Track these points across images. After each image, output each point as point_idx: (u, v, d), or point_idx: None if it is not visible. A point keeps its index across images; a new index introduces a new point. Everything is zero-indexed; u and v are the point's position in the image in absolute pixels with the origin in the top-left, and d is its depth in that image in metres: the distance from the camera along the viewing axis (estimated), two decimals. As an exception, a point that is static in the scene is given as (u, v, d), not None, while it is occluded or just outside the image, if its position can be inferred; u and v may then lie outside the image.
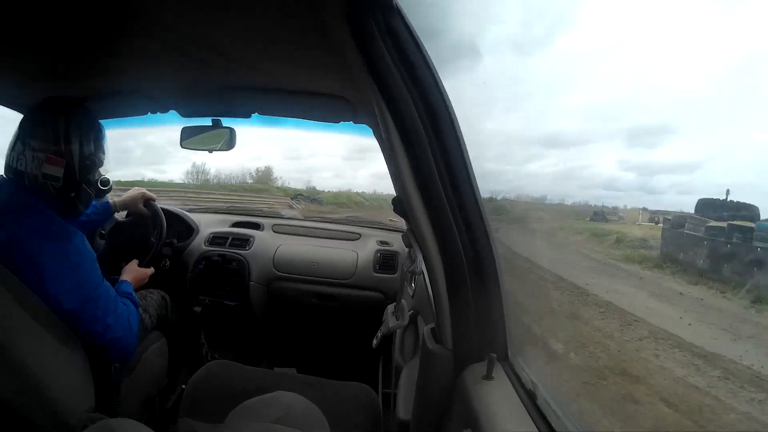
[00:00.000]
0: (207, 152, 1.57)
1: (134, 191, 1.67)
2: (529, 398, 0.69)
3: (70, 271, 1.04)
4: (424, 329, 0.87)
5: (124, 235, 1.71)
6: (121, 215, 1.95)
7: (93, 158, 1.13)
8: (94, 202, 1.33)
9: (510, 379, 0.73)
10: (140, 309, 1.35)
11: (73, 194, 1.11)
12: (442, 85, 0.69)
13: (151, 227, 1.74)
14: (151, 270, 1.46)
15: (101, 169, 1.20)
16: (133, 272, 1.39)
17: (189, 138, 1.55)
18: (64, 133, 1.07)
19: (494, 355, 0.71)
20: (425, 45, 0.67)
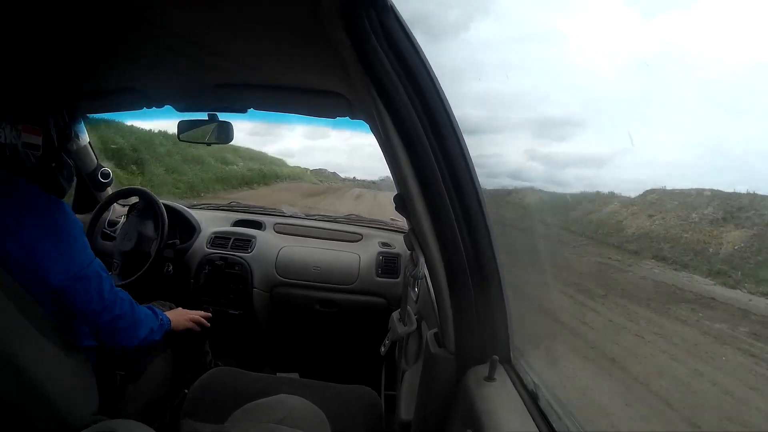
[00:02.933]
0: (205, 144, 1.60)
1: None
2: (531, 399, 0.68)
3: (56, 244, 1.03)
4: (428, 334, 0.87)
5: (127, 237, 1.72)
6: (119, 213, 1.96)
7: (68, 126, 1.14)
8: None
9: (512, 381, 0.73)
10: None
11: (54, 164, 1.11)
12: (437, 81, 0.68)
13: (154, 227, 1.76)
14: (198, 318, 1.47)
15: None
16: (175, 313, 1.40)
17: (186, 131, 1.56)
18: (38, 106, 1.09)
19: (496, 357, 0.71)
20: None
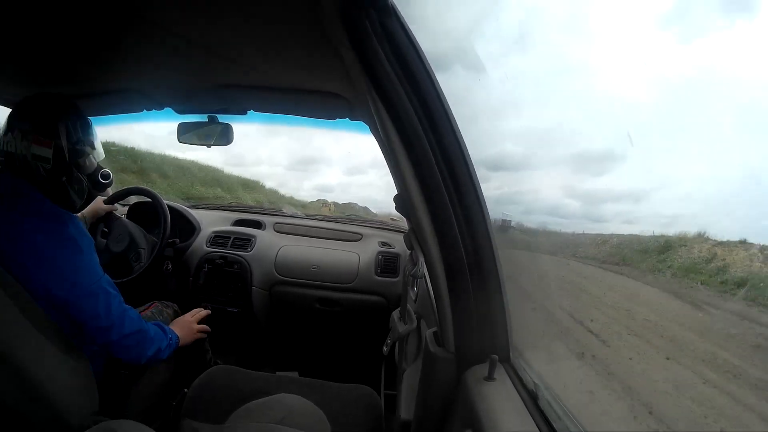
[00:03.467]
0: (205, 147, 1.59)
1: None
2: (531, 399, 0.69)
3: (66, 258, 1.03)
4: (427, 333, 0.87)
5: (124, 236, 1.72)
6: (119, 212, 1.96)
7: (82, 143, 1.13)
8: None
9: (511, 380, 0.73)
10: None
11: (64, 178, 1.10)
12: (437, 82, 0.69)
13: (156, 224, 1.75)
14: (203, 327, 1.47)
15: (98, 162, 1.20)
16: (177, 324, 1.39)
17: (186, 133, 1.56)
18: (51, 118, 1.08)
19: (495, 356, 0.71)
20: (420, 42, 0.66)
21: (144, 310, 1.43)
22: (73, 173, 1.12)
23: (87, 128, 1.15)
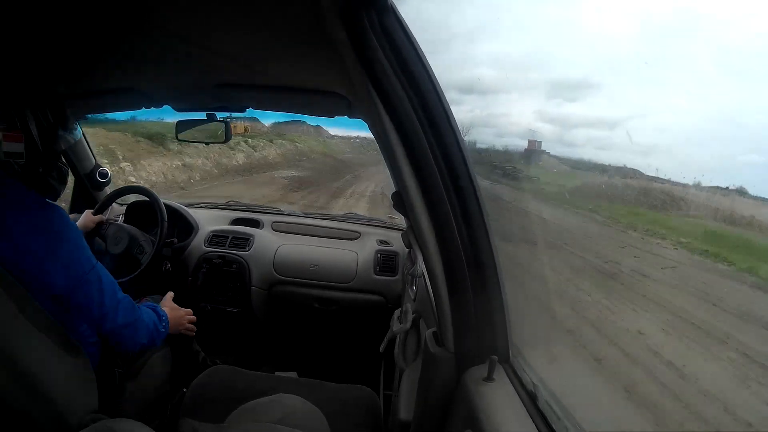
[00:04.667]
0: (204, 144, 1.59)
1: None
2: (530, 399, 0.69)
3: (55, 250, 1.01)
4: (426, 333, 0.87)
5: (122, 235, 1.71)
6: (117, 212, 1.95)
7: (53, 127, 1.09)
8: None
9: (511, 381, 0.73)
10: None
11: (41, 169, 1.07)
12: (437, 80, 0.68)
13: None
14: (189, 312, 1.44)
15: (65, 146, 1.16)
16: (171, 309, 1.37)
17: (185, 131, 1.55)
18: (17, 110, 1.04)
19: (495, 357, 0.71)
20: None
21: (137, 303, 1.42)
22: (49, 162, 1.09)
23: (57, 110, 1.11)
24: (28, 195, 1.03)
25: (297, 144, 17.69)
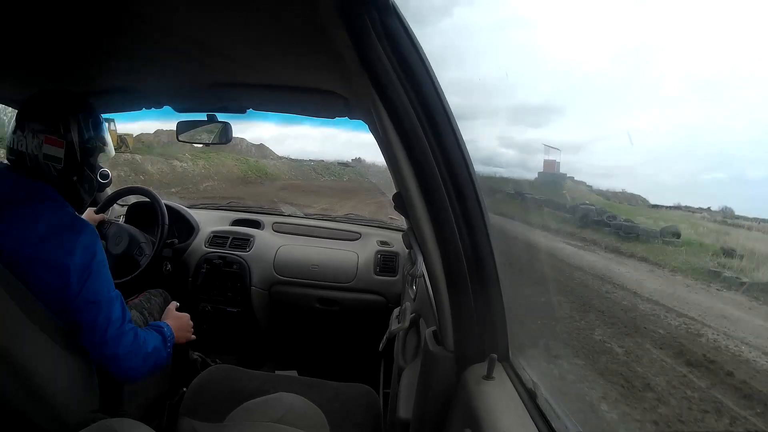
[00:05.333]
0: (203, 145, 1.59)
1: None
2: (530, 398, 0.69)
3: (80, 263, 0.99)
4: (426, 332, 0.87)
5: (123, 235, 1.72)
6: (118, 213, 1.96)
7: (93, 141, 1.11)
8: None
9: (510, 379, 0.73)
10: (145, 312, 1.33)
11: (75, 178, 1.09)
12: (438, 81, 0.69)
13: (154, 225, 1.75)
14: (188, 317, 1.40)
15: (102, 161, 1.17)
16: (175, 319, 1.33)
17: (185, 132, 1.55)
18: (62, 116, 1.06)
19: (494, 355, 0.71)
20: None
21: (133, 299, 1.41)
22: (84, 172, 1.10)
23: (98, 125, 1.13)
24: (66, 213, 1.03)
25: (182, 163, 10.64)
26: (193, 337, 1.42)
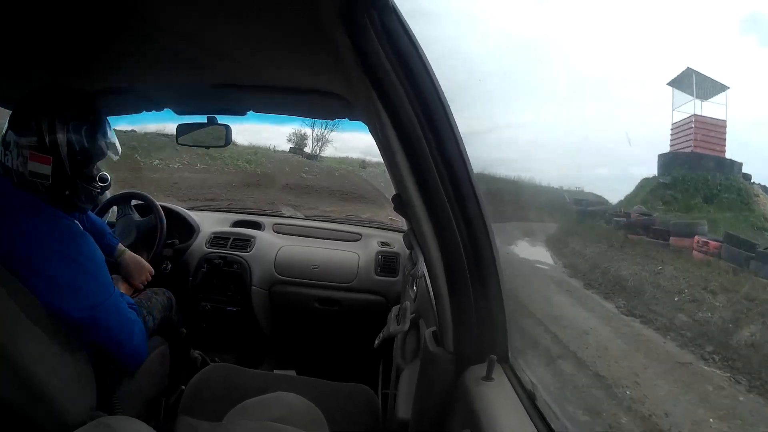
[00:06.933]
0: (204, 148, 1.58)
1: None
2: (529, 399, 0.69)
3: (76, 275, 1.00)
4: (426, 333, 0.87)
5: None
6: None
7: (87, 151, 1.03)
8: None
9: (510, 380, 0.73)
10: (144, 311, 1.34)
11: (67, 192, 1.02)
12: (438, 82, 0.68)
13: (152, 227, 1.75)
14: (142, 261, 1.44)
15: (102, 164, 1.14)
16: (124, 281, 1.37)
17: (185, 135, 1.55)
18: (48, 127, 0.98)
19: (494, 356, 0.71)
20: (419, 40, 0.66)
21: (135, 295, 1.42)
22: (76, 185, 1.03)
23: (95, 131, 1.05)
24: (57, 222, 1.01)
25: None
26: (183, 335, 1.45)
